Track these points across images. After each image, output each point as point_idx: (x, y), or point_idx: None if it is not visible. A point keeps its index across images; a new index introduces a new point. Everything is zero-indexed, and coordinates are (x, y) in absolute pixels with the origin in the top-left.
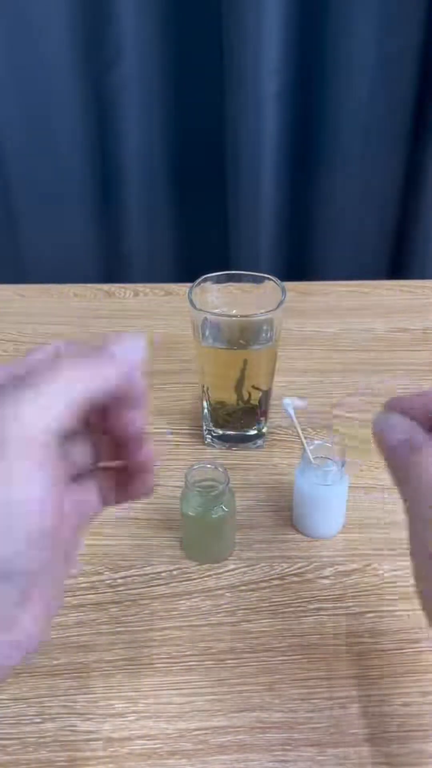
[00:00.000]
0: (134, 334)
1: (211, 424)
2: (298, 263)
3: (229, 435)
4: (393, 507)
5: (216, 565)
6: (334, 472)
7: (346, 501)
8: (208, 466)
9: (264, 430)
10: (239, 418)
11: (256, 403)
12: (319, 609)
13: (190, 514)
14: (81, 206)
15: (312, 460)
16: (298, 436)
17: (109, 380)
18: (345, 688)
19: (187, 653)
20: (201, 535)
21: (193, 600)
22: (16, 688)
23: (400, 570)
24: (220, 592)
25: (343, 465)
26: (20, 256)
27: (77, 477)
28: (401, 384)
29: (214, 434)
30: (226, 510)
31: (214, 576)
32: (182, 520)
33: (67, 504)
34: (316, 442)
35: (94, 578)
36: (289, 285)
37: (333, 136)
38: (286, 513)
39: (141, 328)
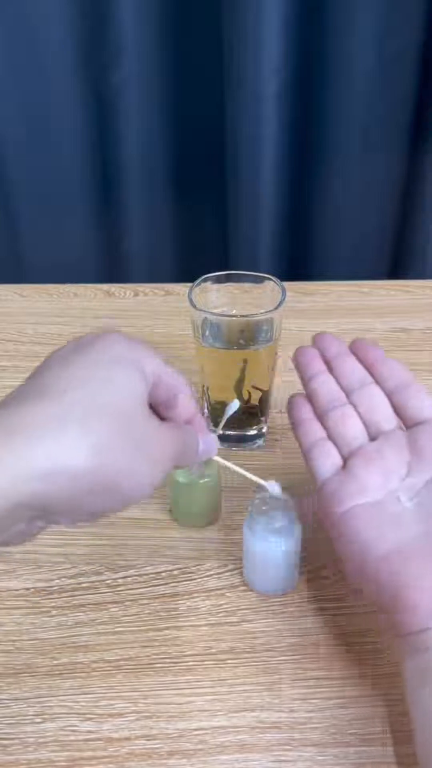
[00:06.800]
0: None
1: (211, 424)
2: (298, 263)
3: (229, 435)
4: None
5: (216, 565)
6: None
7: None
8: None
9: (264, 430)
10: (239, 418)
11: (256, 403)
12: (319, 609)
13: (180, 480)
14: (81, 206)
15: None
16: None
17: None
18: (345, 688)
19: (187, 653)
20: (190, 500)
21: (193, 600)
22: (16, 688)
23: None
24: (220, 592)
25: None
26: (20, 256)
27: None
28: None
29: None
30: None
31: (215, 576)
32: (171, 486)
33: None
34: (270, 483)
35: (94, 578)
36: (289, 285)
37: (333, 136)
38: None
39: (141, 328)
